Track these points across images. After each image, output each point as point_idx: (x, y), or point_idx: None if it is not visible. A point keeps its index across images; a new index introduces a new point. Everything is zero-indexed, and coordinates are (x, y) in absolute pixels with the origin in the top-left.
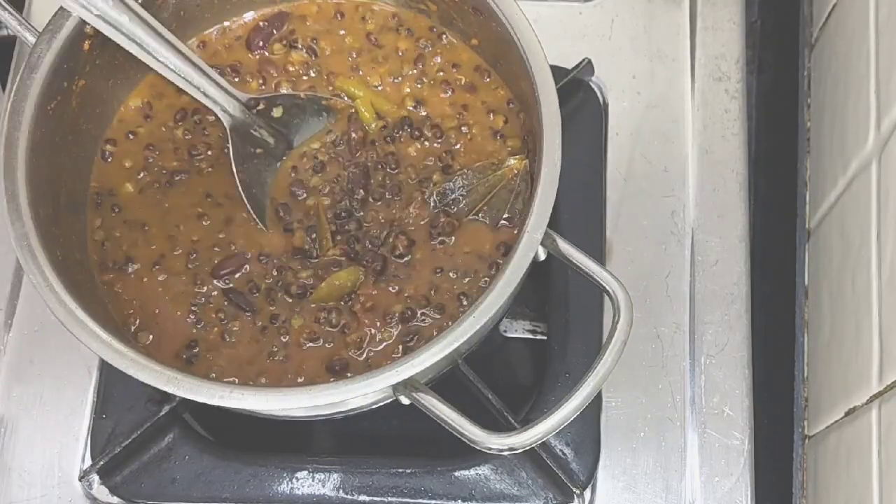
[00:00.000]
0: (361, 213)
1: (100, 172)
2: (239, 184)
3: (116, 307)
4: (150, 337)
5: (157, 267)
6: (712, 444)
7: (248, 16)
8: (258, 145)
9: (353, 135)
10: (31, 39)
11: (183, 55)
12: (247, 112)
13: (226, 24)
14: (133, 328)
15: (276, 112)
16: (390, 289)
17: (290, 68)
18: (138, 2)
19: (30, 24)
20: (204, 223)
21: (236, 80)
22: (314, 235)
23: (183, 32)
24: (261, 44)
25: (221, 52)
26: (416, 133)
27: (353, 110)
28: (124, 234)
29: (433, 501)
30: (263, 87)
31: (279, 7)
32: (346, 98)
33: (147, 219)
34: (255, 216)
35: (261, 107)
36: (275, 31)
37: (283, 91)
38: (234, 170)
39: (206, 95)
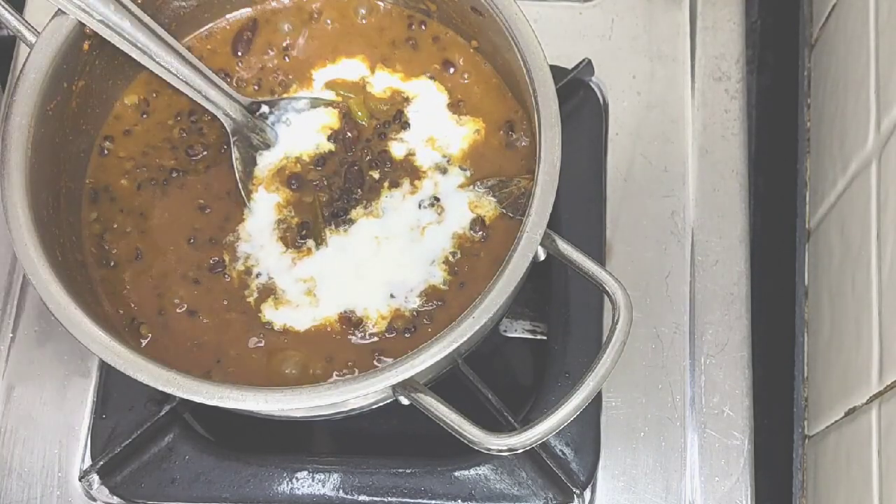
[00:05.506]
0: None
1: (96, 168)
2: (241, 185)
3: (114, 302)
4: (150, 332)
5: (154, 258)
6: (712, 444)
7: (238, 15)
8: (259, 147)
9: (349, 133)
10: (31, 39)
11: (185, 59)
12: (248, 115)
13: (212, 26)
14: (133, 322)
15: (276, 114)
16: None
17: (282, 72)
18: (137, 3)
19: (30, 24)
20: (205, 213)
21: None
22: (304, 232)
23: (178, 34)
24: (250, 47)
25: (208, 57)
26: (407, 125)
27: (348, 110)
28: (122, 225)
29: (433, 501)
30: (258, 89)
31: (269, 7)
32: (341, 98)
33: (145, 210)
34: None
35: (262, 110)
36: (268, 32)
37: (280, 93)
38: (236, 171)
39: (207, 99)
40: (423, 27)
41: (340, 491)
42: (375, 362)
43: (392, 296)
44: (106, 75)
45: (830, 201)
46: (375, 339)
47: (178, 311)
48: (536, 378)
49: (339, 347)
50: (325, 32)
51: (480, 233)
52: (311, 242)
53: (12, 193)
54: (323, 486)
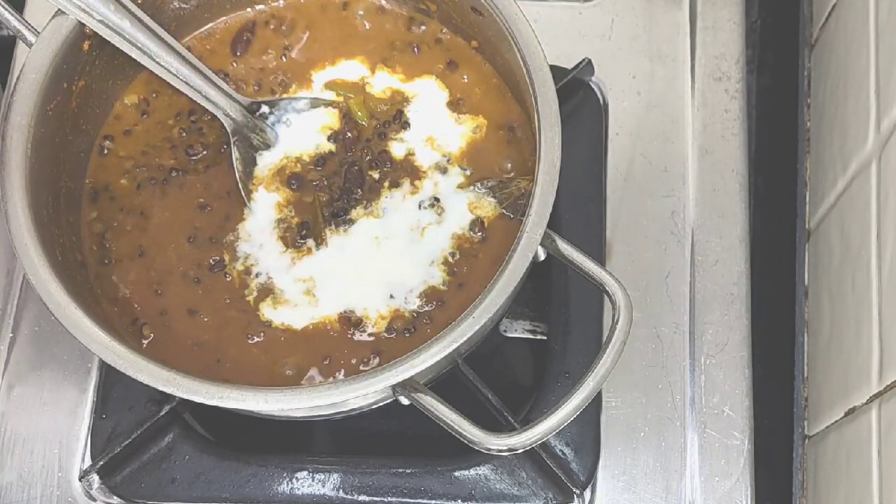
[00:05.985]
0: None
1: (96, 167)
2: (241, 185)
3: (114, 302)
4: (152, 332)
5: (155, 257)
6: (712, 444)
7: (238, 15)
8: (259, 148)
9: (349, 133)
10: (31, 39)
11: (185, 59)
12: (248, 116)
13: (212, 26)
14: (134, 322)
15: (276, 114)
16: None
17: (281, 73)
18: (137, 3)
19: (30, 24)
20: (206, 212)
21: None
22: (304, 232)
23: (178, 34)
24: (249, 48)
25: (207, 57)
26: (407, 125)
27: (348, 110)
28: (122, 224)
29: (433, 501)
30: (258, 90)
31: (268, 7)
32: (341, 99)
33: (145, 209)
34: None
35: (262, 110)
36: (267, 33)
37: (280, 94)
38: (236, 170)
39: (207, 100)
40: (423, 27)
41: (340, 491)
42: (375, 362)
43: (392, 296)
44: (106, 75)
45: (830, 201)
46: (375, 339)
47: (178, 310)
48: (536, 378)
49: (338, 347)
50: (324, 33)
51: (480, 234)
52: (311, 242)
53: (12, 193)
54: (323, 486)
